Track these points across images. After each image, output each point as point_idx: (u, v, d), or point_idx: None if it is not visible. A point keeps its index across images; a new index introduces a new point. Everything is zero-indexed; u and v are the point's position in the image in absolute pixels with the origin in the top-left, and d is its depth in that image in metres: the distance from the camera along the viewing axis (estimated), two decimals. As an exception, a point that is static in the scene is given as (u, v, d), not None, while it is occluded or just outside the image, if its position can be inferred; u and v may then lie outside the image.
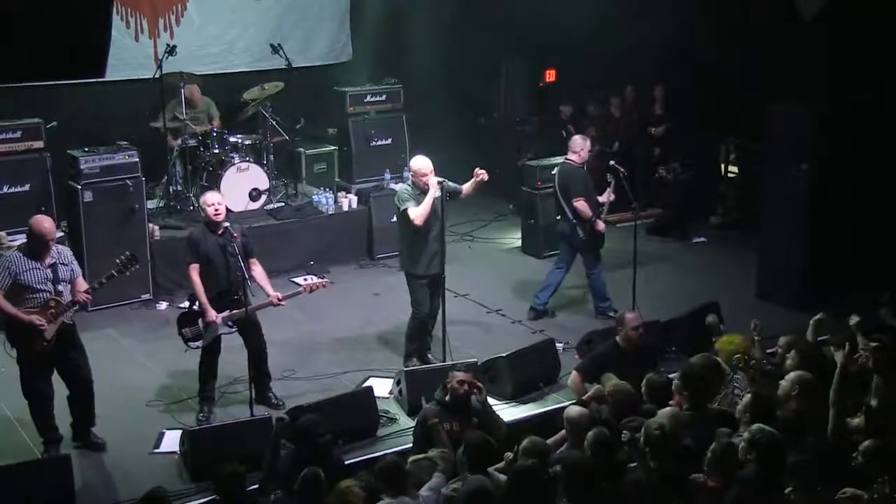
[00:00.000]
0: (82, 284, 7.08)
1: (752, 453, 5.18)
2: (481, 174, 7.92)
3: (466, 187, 8.12)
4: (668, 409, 6.20)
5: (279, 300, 7.57)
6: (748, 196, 11.85)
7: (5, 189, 9.58)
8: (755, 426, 5.29)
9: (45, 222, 6.97)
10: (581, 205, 9.26)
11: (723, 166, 12.80)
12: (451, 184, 8.11)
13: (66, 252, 7.13)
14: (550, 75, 13.20)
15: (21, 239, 8.56)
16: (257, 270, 7.66)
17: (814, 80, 10.31)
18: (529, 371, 7.72)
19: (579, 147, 9.44)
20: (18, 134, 9.64)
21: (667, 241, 11.80)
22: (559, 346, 8.60)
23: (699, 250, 11.67)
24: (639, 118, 12.75)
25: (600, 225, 9.34)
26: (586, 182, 9.42)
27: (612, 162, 9.60)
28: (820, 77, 10.28)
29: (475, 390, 6.64)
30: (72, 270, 7.07)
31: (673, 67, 12.37)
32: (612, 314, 9.12)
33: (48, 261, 6.93)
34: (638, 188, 9.81)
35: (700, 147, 12.49)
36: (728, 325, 7.93)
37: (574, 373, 7.46)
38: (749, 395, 6.11)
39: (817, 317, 7.24)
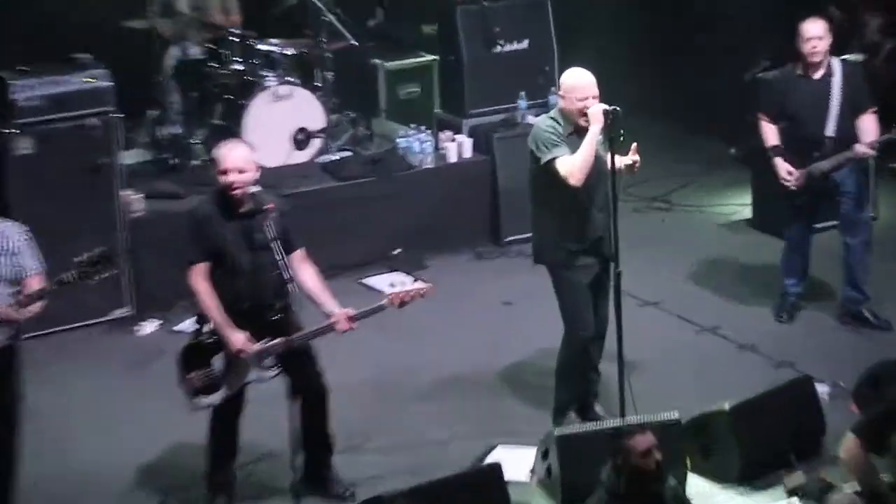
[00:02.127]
0: (32, 286, 5.98)
1: None
2: (636, 160, 6.66)
3: (620, 163, 6.81)
4: None
5: (349, 321, 6.26)
6: None
7: None
8: None
9: None
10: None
11: None
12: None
13: (11, 232, 6.07)
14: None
15: None
16: (307, 272, 6.38)
17: None
18: (770, 434, 6.55)
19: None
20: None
21: None
22: (822, 389, 7.17)
23: None
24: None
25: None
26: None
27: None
28: None
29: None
30: (16, 264, 5.99)
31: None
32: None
33: None
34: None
35: None
36: None
37: (850, 437, 6.16)
38: None
39: None
